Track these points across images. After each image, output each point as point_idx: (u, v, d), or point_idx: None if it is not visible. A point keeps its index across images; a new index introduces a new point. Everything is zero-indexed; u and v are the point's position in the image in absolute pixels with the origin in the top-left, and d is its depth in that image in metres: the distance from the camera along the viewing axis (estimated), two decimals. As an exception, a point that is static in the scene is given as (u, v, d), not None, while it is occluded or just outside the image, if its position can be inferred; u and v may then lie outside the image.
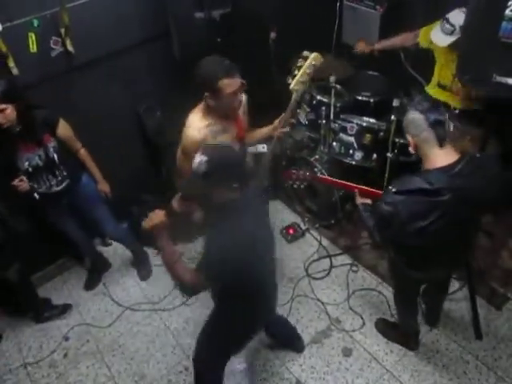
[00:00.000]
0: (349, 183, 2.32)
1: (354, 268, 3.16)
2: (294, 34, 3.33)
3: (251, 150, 3.56)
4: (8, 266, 2.73)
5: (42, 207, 2.74)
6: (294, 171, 2.50)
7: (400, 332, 2.69)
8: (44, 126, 2.49)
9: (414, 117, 1.77)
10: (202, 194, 1.78)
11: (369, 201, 2.16)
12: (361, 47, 3.22)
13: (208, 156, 1.65)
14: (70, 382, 2.74)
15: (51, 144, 2.54)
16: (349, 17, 3.59)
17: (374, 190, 2.20)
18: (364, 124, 3.07)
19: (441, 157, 1.77)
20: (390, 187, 1.83)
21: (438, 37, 2.67)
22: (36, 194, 2.57)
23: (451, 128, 1.78)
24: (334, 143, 3.22)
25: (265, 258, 1.84)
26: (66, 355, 2.88)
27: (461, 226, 1.89)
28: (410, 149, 1.87)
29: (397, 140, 2.90)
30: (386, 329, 2.77)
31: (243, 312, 1.90)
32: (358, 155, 3.11)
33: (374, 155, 3.08)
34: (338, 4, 3.56)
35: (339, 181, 2.41)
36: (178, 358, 2.79)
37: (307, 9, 3.41)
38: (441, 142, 1.76)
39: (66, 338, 2.97)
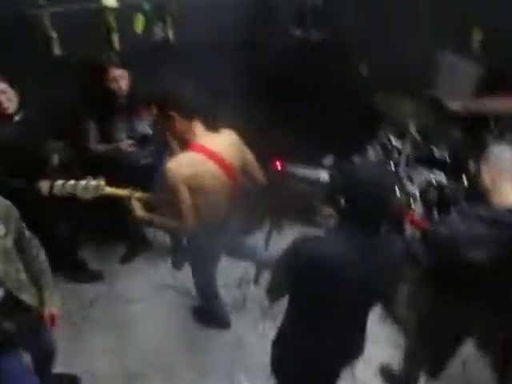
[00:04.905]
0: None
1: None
2: (385, 71, 3.29)
3: (309, 173, 3.50)
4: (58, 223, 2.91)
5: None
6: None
7: None
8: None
9: (504, 152, 1.81)
10: None
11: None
12: (454, 106, 3.11)
13: None
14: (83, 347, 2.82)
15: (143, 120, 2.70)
16: (445, 66, 3.49)
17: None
18: (433, 179, 2.97)
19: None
20: (451, 212, 1.85)
21: None
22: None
23: None
24: (396, 190, 3.12)
25: None
26: (84, 319, 2.97)
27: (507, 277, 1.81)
28: (483, 179, 1.85)
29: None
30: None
31: None
32: (419, 209, 3.01)
33: (435, 212, 2.97)
34: (436, 51, 3.48)
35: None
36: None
37: (404, 48, 3.35)
38: None
39: (91, 304, 3.07)
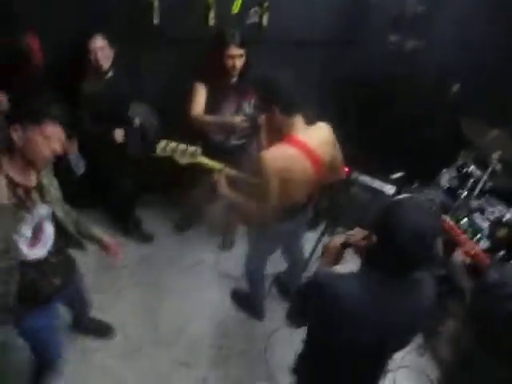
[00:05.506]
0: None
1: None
2: (479, 94, 3.09)
3: (376, 185, 3.37)
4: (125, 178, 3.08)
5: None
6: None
7: None
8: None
9: None
10: None
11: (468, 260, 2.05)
12: None
13: None
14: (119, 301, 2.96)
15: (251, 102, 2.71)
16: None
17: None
18: (507, 216, 2.74)
19: None
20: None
21: None
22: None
23: None
24: (464, 220, 2.92)
25: None
26: (127, 275, 3.09)
27: None
28: None
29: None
30: None
31: None
32: (484, 244, 2.79)
33: (502, 252, 2.73)
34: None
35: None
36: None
37: (504, 74, 3.12)
38: None
39: (136, 262, 3.17)
